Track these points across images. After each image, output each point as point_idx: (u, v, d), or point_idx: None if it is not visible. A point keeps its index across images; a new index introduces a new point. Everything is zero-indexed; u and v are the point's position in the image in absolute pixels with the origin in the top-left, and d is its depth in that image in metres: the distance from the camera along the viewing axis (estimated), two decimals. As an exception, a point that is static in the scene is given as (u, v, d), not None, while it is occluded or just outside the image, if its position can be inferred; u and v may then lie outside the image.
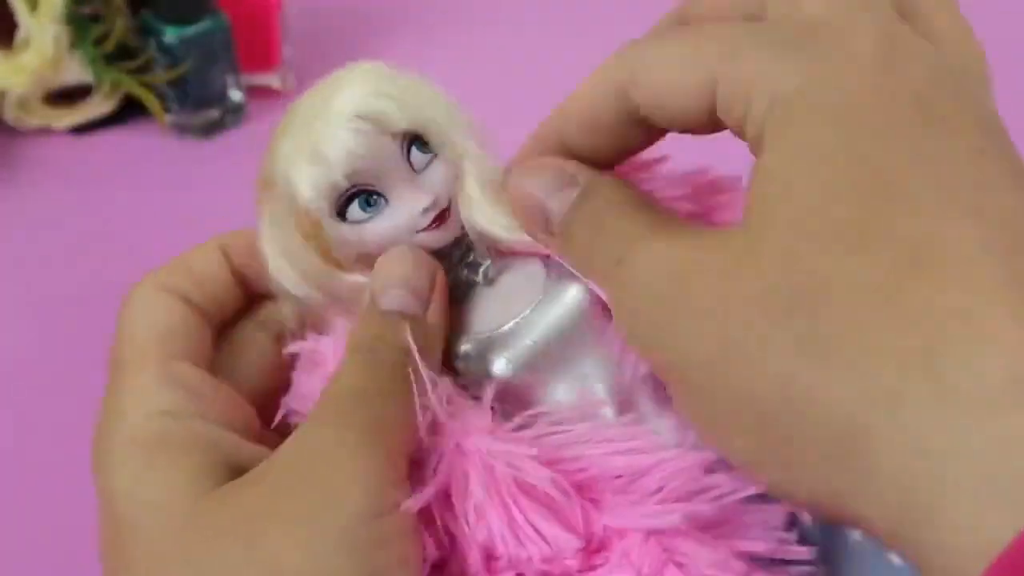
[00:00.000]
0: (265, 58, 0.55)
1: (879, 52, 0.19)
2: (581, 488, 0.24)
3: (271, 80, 0.55)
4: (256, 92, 0.55)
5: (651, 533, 0.23)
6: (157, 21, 0.50)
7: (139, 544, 0.22)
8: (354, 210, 0.26)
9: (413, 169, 0.26)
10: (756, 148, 0.20)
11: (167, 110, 0.52)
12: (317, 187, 0.25)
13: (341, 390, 0.23)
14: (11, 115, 0.52)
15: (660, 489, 0.24)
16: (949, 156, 0.18)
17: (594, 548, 0.24)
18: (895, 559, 0.27)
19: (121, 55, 0.51)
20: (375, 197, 0.26)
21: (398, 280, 0.25)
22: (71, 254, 0.47)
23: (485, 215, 0.26)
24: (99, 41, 0.51)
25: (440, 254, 0.27)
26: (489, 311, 0.27)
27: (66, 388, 0.41)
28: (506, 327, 0.26)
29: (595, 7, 0.64)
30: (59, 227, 0.48)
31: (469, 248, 0.27)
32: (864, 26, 0.20)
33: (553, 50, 0.61)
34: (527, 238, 0.26)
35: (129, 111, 0.53)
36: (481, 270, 0.27)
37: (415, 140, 0.26)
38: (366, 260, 0.26)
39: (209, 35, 0.50)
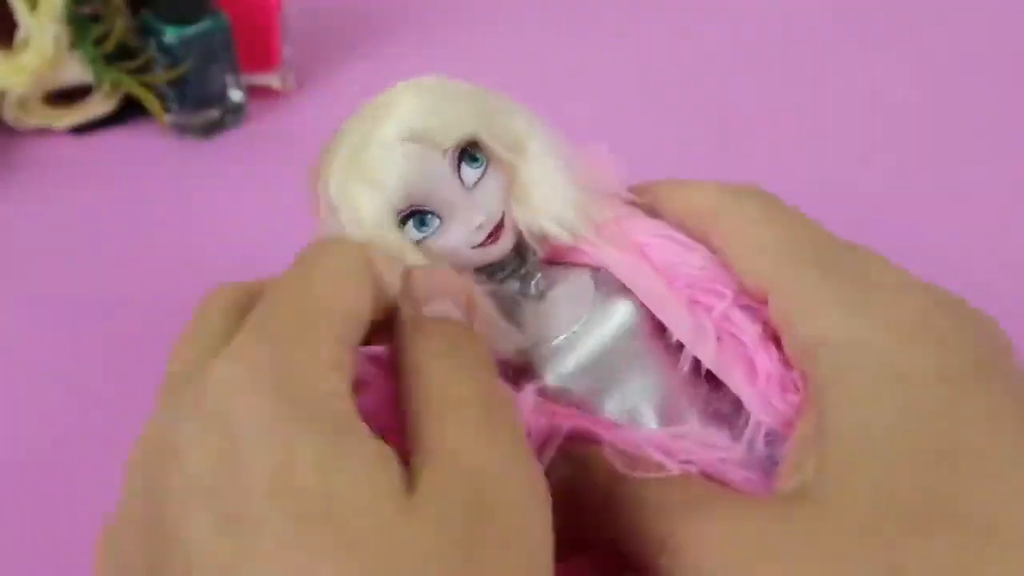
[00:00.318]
0: (265, 58, 0.55)
1: (925, 318, 0.20)
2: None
3: (271, 80, 0.55)
4: (256, 92, 0.55)
5: None
6: (157, 21, 0.50)
7: (354, 552, 0.18)
8: (409, 230, 0.26)
9: (464, 186, 0.26)
10: (803, 368, 0.21)
11: (167, 110, 0.52)
12: (378, 212, 0.25)
13: (459, 400, 0.21)
14: (11, 115, 0.52)
15: None
16: (1009, 419, 0.18)
17: None
18: None
19: (121, 55, 0.51)
20: (429, 216, 0.26)
21: (440, 291, 0.24)
22: (70, 254, 0.47)
23: (540, 214, 0.27)
24: (99, 41, 0.51)
25: (492, 265, 0.27)
26: (539, 324, 0.27)
27: (64, 387, 0.41)
28: (556, 341, 0.26)
29: (595, 7, 0.64)
30: (58, 227, 0.48)
31: (522, 261, 0.27)
32: (911, 290, 0.21)
33: (553, 50, 0.61)
34: (583, 236, 0.26)
35: (129, 111, 0.53)
36: (532, 283, 0.27)
37: (465, 153, 0.26)
38: None
39: (209, 35, 0.50)
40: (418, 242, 0.26)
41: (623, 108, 0.56)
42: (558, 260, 0.28)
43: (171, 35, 0.50)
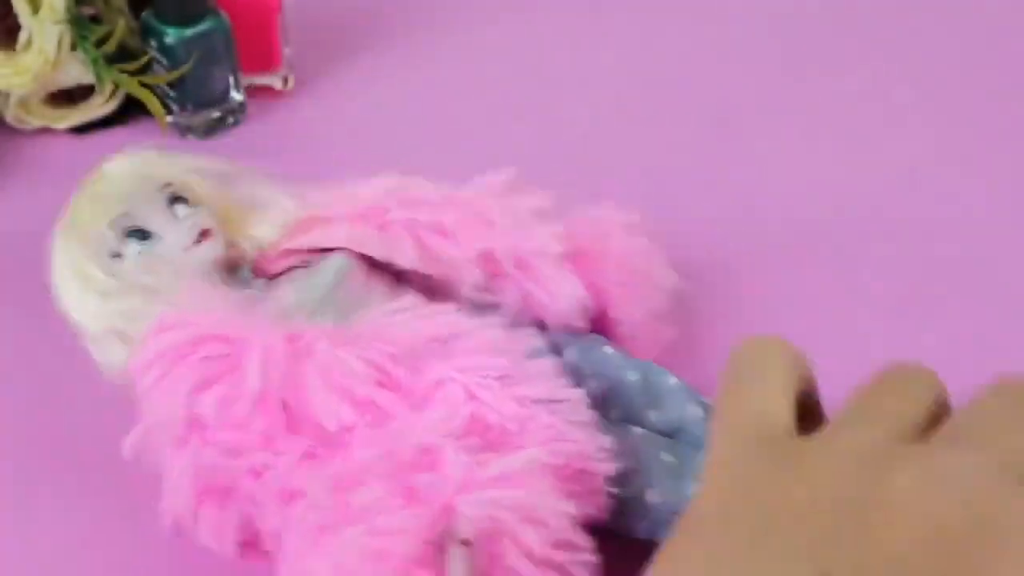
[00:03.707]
0: (265, 59, 0.55)
1: None
2: (397, 360, 0.33)
3: (272, 80, 0.56)
4: (257, 92, 0.55)
5: (461, 381, 0.32)
6: (158, 22, 0.50)
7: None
8: (131, 243, 0.37)
9: (177, 217, 0.38)
10: None
11: (168, 111, 0.52)
12: (100, 228, 0.37)
13: None
14: (13, 115, 0.52)
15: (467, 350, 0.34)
16: None
17: (419, 401, 0.33)
18: (666, 457, 0.35)
19: (122, 56, 0.51)
20: (149, 233, 0.38)
21: None
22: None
23: (243, 235, 0.39)
24: (100, 42, 0.51)
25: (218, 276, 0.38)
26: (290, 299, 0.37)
27: (65, 387, 0.41)
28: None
29: (594, 8, 0.64)
30: (60, 227, 0.49)
31: (235, 270, 0.39)
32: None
33: (553, 52, 0.61)
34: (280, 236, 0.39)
35: (130, 111, 0.53)
36: (258, 290, 0.38)
37: (179, 199, 0.38)
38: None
39: (210, 36, 0.50)
40: (140, 252, 0.37)
41: (623, 108, 0.56)
42: (273, 275, 0.38)
43: (172, 36, 0.50)
